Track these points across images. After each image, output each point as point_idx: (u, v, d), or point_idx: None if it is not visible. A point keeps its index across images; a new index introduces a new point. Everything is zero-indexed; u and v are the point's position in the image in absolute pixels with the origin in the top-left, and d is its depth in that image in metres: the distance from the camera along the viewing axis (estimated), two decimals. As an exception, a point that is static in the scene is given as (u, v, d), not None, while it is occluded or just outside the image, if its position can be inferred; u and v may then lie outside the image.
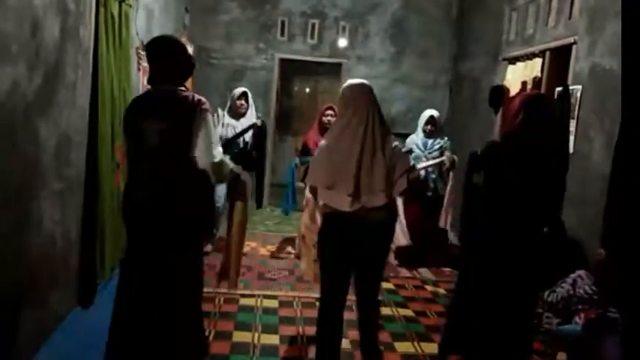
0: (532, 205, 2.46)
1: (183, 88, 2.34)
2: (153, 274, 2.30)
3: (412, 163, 2.84)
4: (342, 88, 2.51)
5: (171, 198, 2.26)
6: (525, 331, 2.58)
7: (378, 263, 2.50)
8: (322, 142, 2.47)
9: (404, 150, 3.55)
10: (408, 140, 4.72)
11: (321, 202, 2.48)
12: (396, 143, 2.44)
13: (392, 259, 4.40)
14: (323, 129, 4.53)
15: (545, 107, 2.58)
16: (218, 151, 2.36)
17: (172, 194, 2.26)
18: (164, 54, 2.33)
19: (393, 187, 2.36)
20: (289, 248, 4.85)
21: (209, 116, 2.31)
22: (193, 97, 2.30)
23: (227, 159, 2.49)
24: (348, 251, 2.39)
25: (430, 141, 4.64)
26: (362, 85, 2.48)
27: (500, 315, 2.47)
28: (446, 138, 4.74)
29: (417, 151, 4.60)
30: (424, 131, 4.67)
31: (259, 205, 4.27)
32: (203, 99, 2.31)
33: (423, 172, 4.49)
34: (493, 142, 2.71)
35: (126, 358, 2.33)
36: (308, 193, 3.53)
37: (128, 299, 2.34)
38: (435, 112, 4.77)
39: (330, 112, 4.54)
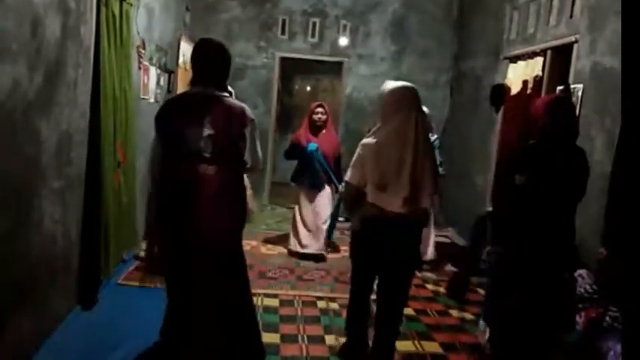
0: (568, 204, 2.61)
1: (227, 94, 2.33)
2: (201, 279, 2.29)
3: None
4: (387, 92, 2.49)
5: (216, 203, 2.24)
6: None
7: (407, 268, 2.53)
8: (367, 144, 2.42)
9: None
10: None
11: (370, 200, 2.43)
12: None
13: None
14: (313, 127, 4.54)
15: (569, 109, 2.65)
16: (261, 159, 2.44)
17: (217, 199, 2.24)
18: (213, 57, 2.31)
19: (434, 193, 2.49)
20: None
21: (256, 125, 2.35)
22: (240, 105, 2.32)
23: None
24: (383, 251, 2.43)
25: None
26: (409, 88, 2.50)
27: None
28: (436, 136, 4.46)
29: None
30: None
31: None
32: (247, 108, 2.33)
33: None
34: (533, 144, 2.72)
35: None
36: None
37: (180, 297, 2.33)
38: (425, 110, 4.50)
39: (320, 109, 4.55)
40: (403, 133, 2.37)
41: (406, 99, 2.44)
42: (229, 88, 2.45)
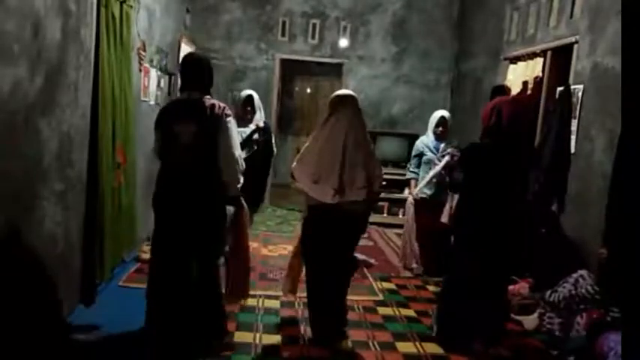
0: (504, 198, 2.90)
1: (209, 97, 2.71)
2: (181, 247, 2.68)
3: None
4: (331, 97, 2.93)
5: (198, 184, 2.65)
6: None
7: (350, 242, 2.96)
8: (307, 143, 2.84)
9: (414, 154, 4.26)
10: (418, 143, 4.47)
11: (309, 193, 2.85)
12: None
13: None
14: None
15: (514, 111, 2.94)
16: (238, 152, 2.69)
17: (199, 181, 2.65)
18: (194, 68, 2.75)
19: (371, 186, 2.84)
20: None
21: (232, 121, 2.69)
22: (219, 104, 2.68)
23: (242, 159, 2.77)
24: (328, 236, 2.82)
25: (442, 144, 4.29)
26: (348, 95, 2.92)
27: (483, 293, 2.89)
28: (456, 142, 4.44)
29: (429, 154, 4.33)
30: (435, 133, 4.37)
31: (255, 205, 4.05)
32: (227, 106, 2.70)
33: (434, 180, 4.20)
34: (473, 144, 3.12)
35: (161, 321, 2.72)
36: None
37: (160, 271, 2.72)
38: (445, 113, 4.45)
39: None
40: (336, 133, 2.79)
41: (340, 102, 2.86)
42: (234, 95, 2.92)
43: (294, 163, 2.92)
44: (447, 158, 4.00)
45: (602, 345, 2.59)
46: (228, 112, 2.69)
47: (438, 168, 4.06)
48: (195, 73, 2.74)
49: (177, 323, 2.69)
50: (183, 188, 2.64)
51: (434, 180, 4.20)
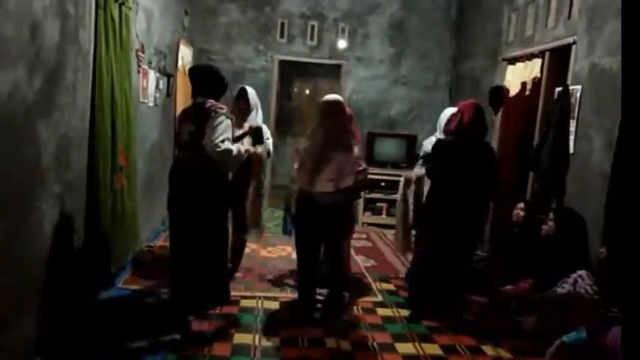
0: (473, 189, 3.39)
1: (212, 101, 3.06)
2: (187, 219, 3.08)
3: (363, 167, 3.55)
4: (318, 102, 3.39)
5: (195, 175, 3.02)
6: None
7: (335, 229, 3.35)
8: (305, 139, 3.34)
9: (421, 154, 4.36)
10: (427, 143, 4.23)
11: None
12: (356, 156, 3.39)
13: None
14: None
15: (476, 113, 3.43)
16: (226, 144, 2.95)
17: (196, 173, 3.02)
18: (199, 76, 3.17)
19: (340, 181, 3.22)
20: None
21: (220, 117, 2.97)
22: (214, 104, 3.04)
23: (235, 147, 3.08)
24: (312, 219, 3.29)
25: None
26: (334, 101, 3.32)
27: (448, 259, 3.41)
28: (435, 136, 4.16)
29: None
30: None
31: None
32: (220, 106, 3.06)
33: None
34: (439, 140, 3.66)
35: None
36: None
37: (172, 233, 3.17)
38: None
39: None
40: (319, 133, 3.24)
41: (324, 107, 3.30)
42: (233, 93, 3.45)
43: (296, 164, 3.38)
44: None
45: (611, 340, 2.55)
46: (218, 108, 3.01)
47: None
48: (200, 80, 3.15)
49: (191, 288, 3.07)
50: (182, 177, 3.05)
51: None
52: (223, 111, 3.03)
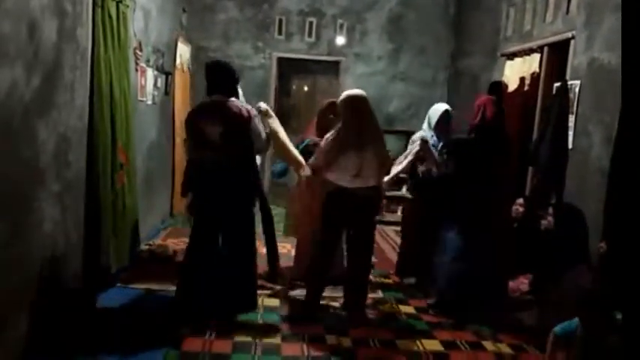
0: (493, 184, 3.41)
1: (234, 99, 3.14)
2: (217, 227, 3.16)
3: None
4: (344, 97, 3.26)
5: (229, 176, 3.09)
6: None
7: (366, 227, 3.34)
8: (329, 137, 3.21)
9: (415, 149, 4.02)
10: (416, 137, 3.96)
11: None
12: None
13: None
14: (326, 131, 3.66)
15: (497, 107, 3.50)
16: (264, 135, 3.21)
17: (229, 174, 3.09)
18: (218, 73, 3.15)
19: (380, 177, 3.32)
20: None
21: (256, 119, 3.15)
22: (245, 108, 3.11)
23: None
24: (344, 214, 3.25)
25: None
26: (361, 96, 3.26)
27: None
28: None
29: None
30: (436, 129, 3.86)
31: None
32: (247, 106, 3.16)
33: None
34: (460, 138, 3.71)
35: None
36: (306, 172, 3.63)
37: (198, 243, 3.16)
38: (448, 107, 3.96)
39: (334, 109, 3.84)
40: (354, 131, 3.15)
41: (355, 102, 3.23)
42: (239, 90, 3.34)
43: (317, 161, 3.29)
44: (416, 148, 3.79)
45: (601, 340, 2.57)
46: (254, 112, 3.17)
47: (407, 160, 3.84)
48: (220, 78, 3.15)
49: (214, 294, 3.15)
50: (216, 179, 3.08)
51: (401, 176, 3.97)
52: (255, 113, 3.16)
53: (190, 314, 3.06)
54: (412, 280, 3.99)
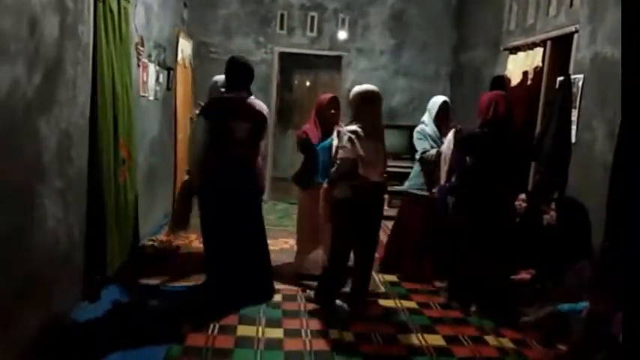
0: (503, 179, 3.44)
1: (253, 97, 3.29)
2: (236, 220, 3.29)
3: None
4: (362, 91, 3.29)
5: (250, 172, 3.32)
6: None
7: (378, 219, 3.42)
8: (354, 130, 3.17)
9: (419, 138, 4.16)
10: (418, 133, 4.13)
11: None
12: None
13: None
14: (324, 125, 3.86)
15: (508, 102, 3.43)
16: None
17: (252, 169, 3.33)
18: (241, 70, 3.24)
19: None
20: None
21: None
22: (264, 108, 3.34)
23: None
24: (367, 207, 3.27)
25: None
26: (377, 91, 3.34)
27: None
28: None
29: (426, 146, 4.04)
30: (436, 122, 4.07)
31: None
32: (266, 108, 3.37)
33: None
34: (474, 133, 3.56)
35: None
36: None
37: (215, 238, 3.31)
38: (447, 98, 4.20)
39: (334, 104, 3.92)
40: (375, 124, 3.28)
41: (372, 98, 3.30)
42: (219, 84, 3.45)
43: (341, 150, 3.22)
44: (450, 135, 3.78)
45: (602, 333, 2.57)
46: (267, 113, 3.36)
47: (445, 145, 3.83)
48: (243, 75, 3.23)
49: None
50: (237, 174, 3.23)
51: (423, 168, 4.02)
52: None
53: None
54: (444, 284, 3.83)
